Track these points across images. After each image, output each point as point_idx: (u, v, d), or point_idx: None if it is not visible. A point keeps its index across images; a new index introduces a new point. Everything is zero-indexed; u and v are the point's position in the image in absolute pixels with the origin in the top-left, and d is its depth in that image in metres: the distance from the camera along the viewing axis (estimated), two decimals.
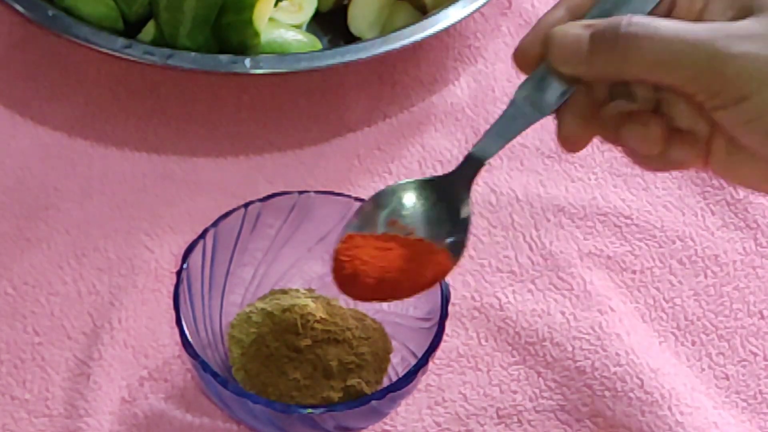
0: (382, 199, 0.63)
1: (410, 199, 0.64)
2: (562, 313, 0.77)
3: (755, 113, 0.56)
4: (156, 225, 0.80)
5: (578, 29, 0.59)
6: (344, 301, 0.74)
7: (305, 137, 0.85)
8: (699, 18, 0.60)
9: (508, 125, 0.63)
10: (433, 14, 0.85)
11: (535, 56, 0.60)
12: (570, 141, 0.62)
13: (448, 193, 0.64)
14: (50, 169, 0.82)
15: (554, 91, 0.61)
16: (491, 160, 0.86)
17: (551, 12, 0.61)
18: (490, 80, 0.89)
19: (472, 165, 0.64)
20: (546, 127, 0.86)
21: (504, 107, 0.86)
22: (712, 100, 0.57)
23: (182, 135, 0.84)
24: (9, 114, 0.84)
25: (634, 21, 0.57)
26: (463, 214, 0.63)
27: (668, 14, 0.61)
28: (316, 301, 0.72)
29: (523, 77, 0.91)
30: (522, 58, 0.61)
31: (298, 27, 0.87)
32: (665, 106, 0.61)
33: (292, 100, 0.87)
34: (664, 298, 0.79)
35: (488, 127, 0.87)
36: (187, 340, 0.67)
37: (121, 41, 0.82)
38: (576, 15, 0.60)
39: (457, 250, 0.62)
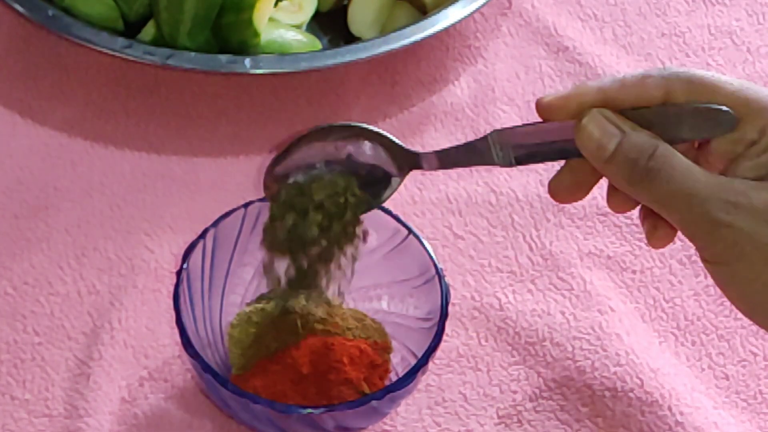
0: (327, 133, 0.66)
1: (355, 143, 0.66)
2: (562, 313, 0.77)
3: (730, 279, 0.61)
4: (156, 225, 0.80)
5: (609, 132, 0.61)
6: (344, 301, 0.74)
7: None
8: (730, 164, 0.62)
9: (467, 156, 0.65)
10: (433, 14, 0.85)
11: (559, 117, 0.63)
12: (558, 195, 0.65)
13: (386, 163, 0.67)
14: (50, 169, 0.82)
15: (543, 156, 0.64)
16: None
17: (587, 87, 0.62)
18: (490, 80, 0.89)
19: (416, 161, 0.66)
20: None
21: (504, 107, 0.87)
22: (700, 251, 0.61)
23: (182, 135, 0.84)
24: (9, 114, 0.84)
25: (657, 155, 0.60)
26: (384, 196, 0.67)
27: (701, 149, 0.63)
28: (316, 301, 0.72)
29: (523, 78, 0.91)
30: (544, 111, 0.63)
31: (298, 27, 0.87)
32: None
33: (292, 100, 0.87)
34: (664, 298, 0.79)
35: (488, 128, 0.87)
36: (187, 340, 0.67)
37: (121, 41, 0.82)
38: (609, 102, 0.62)
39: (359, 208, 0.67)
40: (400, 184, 0.67)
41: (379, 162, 0.67)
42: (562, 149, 0.63)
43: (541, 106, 0.63)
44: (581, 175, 0.64)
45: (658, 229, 0.65)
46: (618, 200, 0.65)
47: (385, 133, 0.66)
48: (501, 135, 0.64)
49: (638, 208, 0.66)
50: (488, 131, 0.85)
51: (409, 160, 0.66)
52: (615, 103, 0.61)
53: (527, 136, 0.63)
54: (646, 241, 0.80)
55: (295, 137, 0.66)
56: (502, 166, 0.64)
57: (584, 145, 0.61)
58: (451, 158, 0.65)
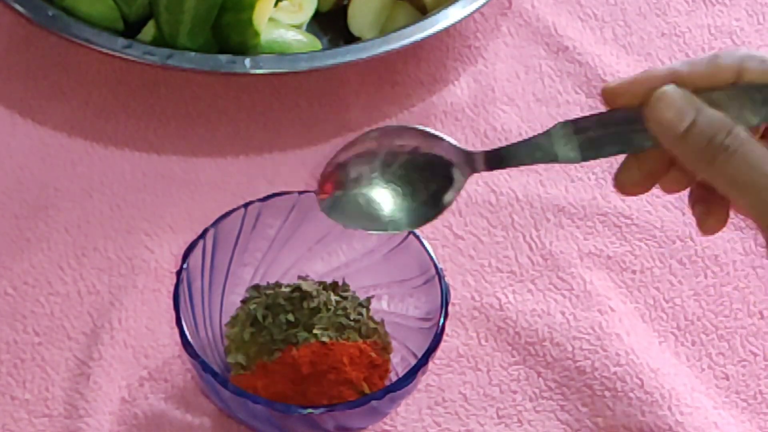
0: (385, 138, 0.63)
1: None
2: (562, 313, 0.77)
3: None
4: (156, 225, 0.80)
5: (683, 107, 0.59)
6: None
7: (305, 137, 0.85)
8: None
9: (528, 152, 0.62)
10: (433, 14, 0.85)
11: (626, 101, 0.61)
12: (626, 188, 0.63)
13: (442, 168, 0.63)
14: (50, 169, 0.82)
15: (610, 148, 0.61)
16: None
17: (656, 71, 0.61)
18: (490, 80, 0.89)
19: (479, 161, 0.63)
20: (546, 127, 0.86)
21: (504, 107, 0.87)
22: (765, 234, 0.59)
23: (182, 135, 0.84)
24: (9, 114, 0.84)
25: (734, 133, 0.58)
26: (447, 199, 0.64)
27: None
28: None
29: (523, 78, 0.91)
30: (611, 97, 0.61)
31: (298, 27, 0.87)
32: None
33: (292, 100, 0.87)
34: (664, 298, 0.79)
35: (488, 128, 0.87)
36: (187, 340, 0.67)
37: (121, 41, 0.82)
38: (679, 83, 0.60)
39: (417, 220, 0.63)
40: (463, 185, 0.64)
41: (439, 165, 0.63)
42: (630, 139, 0.61)
43: (606, 92, 0.61)
44: (649, 165, 0.62)
45: (710, 215, 0.63)
46: (671, 179, 0.63)
47: (441, 134, 0.63)
48: (566, 127, 0.61)
49: (685, 192, 0.64)
50: (488, 131, 0.86)
51: (466, 161, 0.63)
52: (685, 84, 0.60)
53: (593, 124, 0.61)
54: (646, 242, 0.80)
55: (362, 134, 0.63)
56: (566, 162, 0.61)
57: (657, 121, 0.59)
58: (510, 157, 0.62)
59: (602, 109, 0.61)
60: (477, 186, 0.83)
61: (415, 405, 0.73)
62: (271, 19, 0.85)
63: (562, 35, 0.91)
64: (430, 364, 0.69)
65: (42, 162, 0.82)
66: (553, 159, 0.61)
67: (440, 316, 0.68)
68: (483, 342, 0.76)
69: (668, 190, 0.64)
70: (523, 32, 0.91)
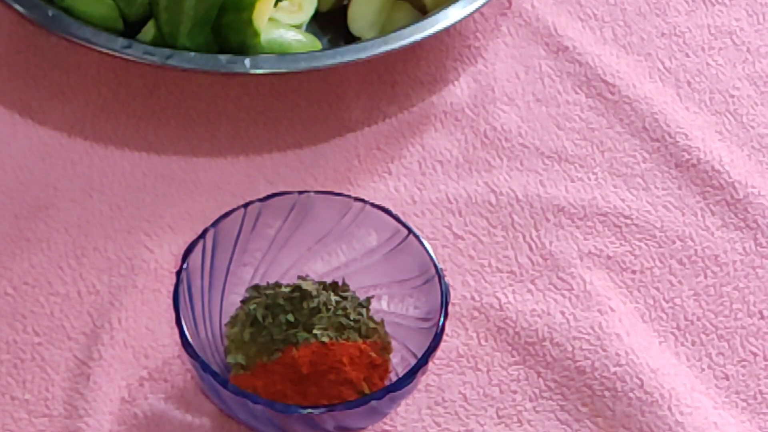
0: None
1: None
2: (562, 313, 0.77)
3: None
4: (156, 225, 0.80)
5: None
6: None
7: (305, 137, 0.85)
8: None
9: None
10: (433, 14, 0.85)
11: None
12: None
13: None
14: (50, 169, 0.82)
15: None
16: (491, 160, 0.86)
17: None
18: (490, 80, 0.88)
19: None
20: (546, 127, 0.86)
21: (504, 107, 0.87)
22: None
23: (182, 135, 0.84)
24: (9, 114, 0.84)
25: None
26: None
27: None
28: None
29: (523, 78, 0.91)
30: None
31: (298, 27, 0.87)
32: None
33: (292, 100, 0.87)
34: (664, 298, 0.79)
35: (488, 128, 0.87)
36: (187, 340, 0.67)
37: (121, 41, 0.82)
38: None
39: None
40: None
41: None
42: None
43: None
44: None
45: None
46: None
47: None
48: None
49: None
50: (488, 131, 0.86)
51: None
52: None
53: None
54: (646, 242, 0.81)
55: None
56: None
57: None
58: None
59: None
60: (477, 186, 0.83)
61: (415, 405, 0.73)
62: (271, 19, 0.85)
63: (562, 35, 0.91)
64: (430, 364, 0.69)
65: (42, 162, 0.82)
66: None
67: (440, 316, 0.68)
68: (483, 342, 0.76)
69: None
70: (523, 32, 0.91)
